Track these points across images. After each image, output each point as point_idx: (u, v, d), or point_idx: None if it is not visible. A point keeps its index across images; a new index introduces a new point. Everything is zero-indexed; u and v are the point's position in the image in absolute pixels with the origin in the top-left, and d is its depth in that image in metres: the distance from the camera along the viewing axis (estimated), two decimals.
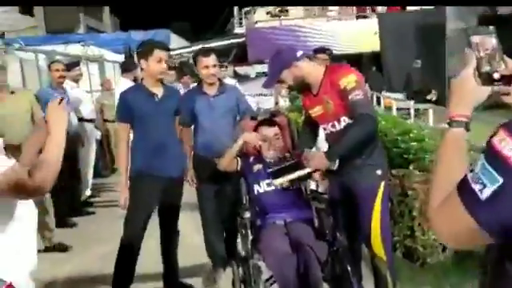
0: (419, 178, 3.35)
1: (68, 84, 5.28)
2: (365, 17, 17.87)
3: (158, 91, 3.09)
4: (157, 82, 3.09)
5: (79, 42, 10.52)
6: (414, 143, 3.78)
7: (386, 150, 3.18)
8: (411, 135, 4.15)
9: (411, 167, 3.56)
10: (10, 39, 9.04)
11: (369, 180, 2.58)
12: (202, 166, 3.34)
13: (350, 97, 2.40)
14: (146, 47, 3.03)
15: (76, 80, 5.68)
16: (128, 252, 3.04)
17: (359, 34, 16.37)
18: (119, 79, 6.16)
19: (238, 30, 20.35)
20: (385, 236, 2.61)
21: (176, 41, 19.56)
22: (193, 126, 3.46)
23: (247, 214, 2.60)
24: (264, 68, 18.12)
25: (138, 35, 11.82)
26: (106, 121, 6.86)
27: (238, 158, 2.94)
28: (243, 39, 17.75)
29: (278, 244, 2.49)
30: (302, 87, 2.64)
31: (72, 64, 5.61)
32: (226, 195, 3.30)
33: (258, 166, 2.92)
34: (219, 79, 3.44)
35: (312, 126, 2.85)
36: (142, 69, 3.12)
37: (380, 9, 17.14)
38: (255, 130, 2.98)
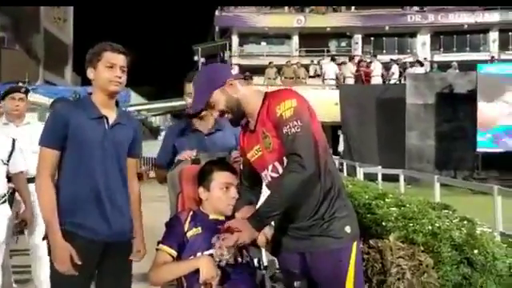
0: (405, 251, 2.64)
1: None
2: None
3: (110, 114, 2.15)
4: (109, 100, 2.15)
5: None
6: (394, 208, 3.13)
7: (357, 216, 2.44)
8: (387, 200, 3.52)
9: (391, 238, 2.86)
10: None
11: (336, 240, 1.81)
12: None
13: (284, 129, 1.79)
14: (94, 50, 2.11)
15: None
16: None
17: (320, 103, 16.29)
18: None
19: None
20: None
21: (135, 99, 19.26)
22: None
23: None
24: None
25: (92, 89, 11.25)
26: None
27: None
28: None
29: None
30: (237, 116, 1.96)
31: None
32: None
33: (194, 230, 2.04)
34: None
35: (254, 178, 2.09)
36: (91, 81, 2.15)
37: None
38: (201, 177, 2.13)
